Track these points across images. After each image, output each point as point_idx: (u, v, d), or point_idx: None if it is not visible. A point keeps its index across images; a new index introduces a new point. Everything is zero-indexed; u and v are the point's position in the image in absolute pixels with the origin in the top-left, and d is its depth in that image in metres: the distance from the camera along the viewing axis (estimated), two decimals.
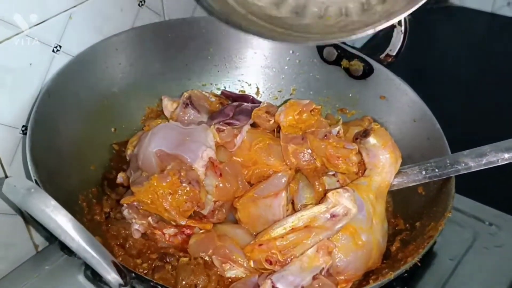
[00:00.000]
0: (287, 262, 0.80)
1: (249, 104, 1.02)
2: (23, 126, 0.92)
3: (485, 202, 1.09)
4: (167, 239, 0.90)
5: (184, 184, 0.84)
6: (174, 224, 0.87)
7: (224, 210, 0.91)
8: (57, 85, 0.91)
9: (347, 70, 1.08)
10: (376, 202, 0.88)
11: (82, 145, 0.94)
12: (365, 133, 0.90)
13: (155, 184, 0.84)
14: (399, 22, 1.01)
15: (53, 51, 0.93)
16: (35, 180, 0.77)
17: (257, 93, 1.15)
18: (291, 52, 1.12)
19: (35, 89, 0.92)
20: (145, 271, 0.83)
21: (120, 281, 0.67)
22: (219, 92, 1.13)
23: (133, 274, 0.70)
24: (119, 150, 1.01)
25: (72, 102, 0.95)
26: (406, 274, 0.79)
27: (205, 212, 0.89)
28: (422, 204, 0.92)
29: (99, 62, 1.00)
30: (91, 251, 0.65)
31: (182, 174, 0.85)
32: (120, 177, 0.96)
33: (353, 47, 1.07)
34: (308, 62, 1.11)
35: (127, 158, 0.98)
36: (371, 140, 0.89)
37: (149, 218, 0.88)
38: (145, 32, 1.06)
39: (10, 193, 0.67)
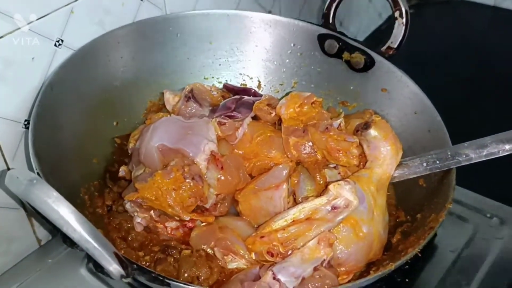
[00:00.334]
0: (288, 254, 0.81)
1: (251, 97, 1.02)
2: (25, 120, 0.92)
3: (486, 194, 1.09)
4: (169, 232, 0.90)
5: (187, 180, 0.84)
6: (178, 219, 0.87)
7: (226, 203, 0.91)
8: (59, 79, 0.91)
9: (348, 63, 1.08)
10: (377, 194, 0.88)
11: (84, 139, 0.95)
12: (366, 125, 0.90)
13: (159, 180, 0.84)
14: (401, 15, 1.01)
15: (55, 45, 0.93)
16: (37, 173, 0.77)
17: (259, 86, 1.16)
18: (292, 45, 1.12)
19: (37, 83, 0.92)
20: (147, 264, 0.84)
21: (122, 272, 0.68)
22: (220, 86, 1.13)
23: (135, 265, 0.70)
24: (121, 143, 1.02)
25: (74, 96, 0.95)
26: (407, 266, 0.79)
27: (207, 205, 0.89)
28: (423, 196, 0.92)
29: (101, 56, 1.00)
30: (93, 242, 0.65)
31: (185, 169, 0.85)
32: (122, 171, 0.97)
33: (355, 40, 1.07)
34: (309, 55, 1.12)
35: (129, 151, 0.98)
36: (372, 132, 0.89)
37: (151, 212, 0.88)
38: (147, 26, 1.06)
39: (13, 184, 0.67)
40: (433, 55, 1.68)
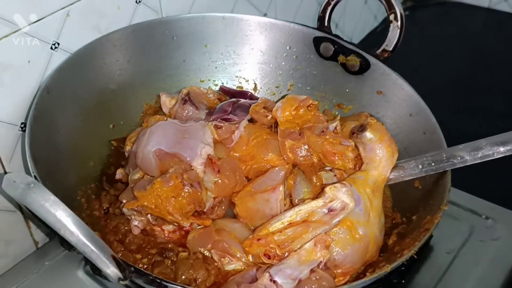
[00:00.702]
0: (285, 256, 0.81)
1: (247, 100, 1.03)
2: (22, 123, 0.92)
3: (482, 196, 1.09)
4: (166, 235, 0.90)
5: (186, 188, 0.84)
6: (177, 225, 0.87)
7: (223, 206, 0.91)
8: (56, 82, 0.91)
9: (344, 66, 1.08)
10: (373, 196, 0.88)
11: (81, 142, 0.95)
12: (362, 128, 0.90)
13: (158, 188, 0.83)
14: (396, 17, 1.02)
15: (51, 48, 0.93)
16: (34, 176, 0.77)
17: (255, 89, 1.16)
18: (288, 48, 1.12)
19: (33, 86, 0.92)
20: (144, 266, 0.84)
21: (120, 275, 0.68)
22: (216, 89, 1.13)
23: (132, 268, 0.70)
24: (118, 146, 1.02)
25: (70, 99, 0.95)
26: (403, 268, 0.80)
27: (205, 209, 0.89)
28: (418, 198, 0.92)
29: (97, 59, 1.00)
30: (90, 245, 0.65)
31: (184, 177, 0.85)
32: (119, 173, 0.97)
33: (350, 43, 1.07)
34: (305, 58, 1.12)
35: (126, 154, 0.99)
36: (368, 134, 0.90)
37: (148, 215, 0.88)
38: (143, 29, 1.06)
39: (10, 188, 0.67)
40: (428, 57, 1.69)
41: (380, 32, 1.77)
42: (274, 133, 0.96)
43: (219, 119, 0.96)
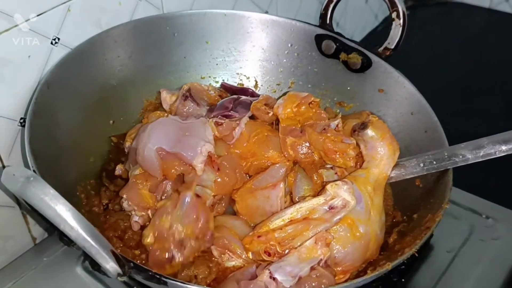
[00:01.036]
0: (285, 253, 0.81)
1: (248, 97, 1.02)
2: (21, 118, 0.92)
3: (482, 195, 1.09)
4: None
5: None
6: None
7: (223, 203, 0.91)
8: (56, 77, 0.90)
9: (345, 63, 1.08)
10: (374, 194, 0.88)
11: (81, 137, 0.95)
12: (363, 125, 0.90)
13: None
14: (398, 15, 1.02)
15: (51, 43, 0.93)
16: (34, 171, 0.76)
17: (256, 86, 1.16)
18: (289, 45, 1.12)
19: (33, 81, 0.92)
20: (143, 262, 0.83)
21: (119, 270, 0.67)
22: (217, 85, 1.13)
23: (131, 263, 0.70)
24: (118, 142, 1.02)
25: (71, 94, 0.94)
26: (403, 266, 0.79)
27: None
28: (419, 196, 0.92)
29: (98, 54, 1.00)
30: (90, 240, 0.65)
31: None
32: (119, 169, 0.96)
33: (352, 40, 1.07)
34: (306, 56, 1.12)
35: (126, 150, 0.98)
36: (369, 132, 0.89)
37: (149, 211, 0.88)
38: (144, 25, 1.06)
39: (9, 182, 0.66)
40: (428, 57, 1.69)
41: (380, 32, 1.76)
42: (275, 130, 0.95)
43: (220, 116, 0.95)
